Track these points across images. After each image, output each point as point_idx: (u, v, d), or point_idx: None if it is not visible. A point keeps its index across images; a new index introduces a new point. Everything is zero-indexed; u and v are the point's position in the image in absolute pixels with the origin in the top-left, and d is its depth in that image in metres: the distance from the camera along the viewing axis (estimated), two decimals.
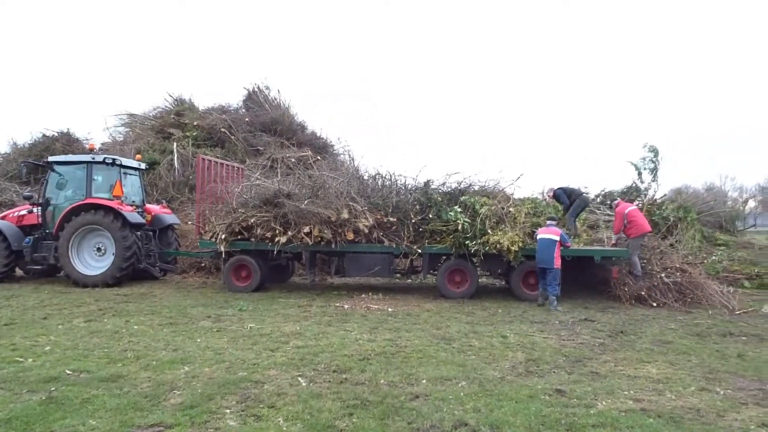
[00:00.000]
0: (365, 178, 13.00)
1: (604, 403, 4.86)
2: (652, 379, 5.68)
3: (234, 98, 22.43)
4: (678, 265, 10.92)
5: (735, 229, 19.01)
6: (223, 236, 11.29)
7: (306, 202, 10.96)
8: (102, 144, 20.27)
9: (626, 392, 5.19)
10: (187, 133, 19.29)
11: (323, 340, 7.13)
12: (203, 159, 12.67)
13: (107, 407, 4.58)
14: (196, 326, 7.96)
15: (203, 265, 14.02)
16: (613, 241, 11.53)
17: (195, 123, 19.64)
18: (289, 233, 10.95)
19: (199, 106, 21.65)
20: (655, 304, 10.35)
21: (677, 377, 5.75)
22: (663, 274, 10.71)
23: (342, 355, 6.36)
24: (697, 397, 5.12)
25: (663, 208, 14.88)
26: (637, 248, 10.94)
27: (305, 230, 10.88)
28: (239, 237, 11.41)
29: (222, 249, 11.31)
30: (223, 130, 18.99)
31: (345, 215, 10.88)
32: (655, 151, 17.50)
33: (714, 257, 14.54)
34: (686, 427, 4.32)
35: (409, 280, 13.41)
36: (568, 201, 11.96)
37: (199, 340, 7.05)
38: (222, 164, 13.43)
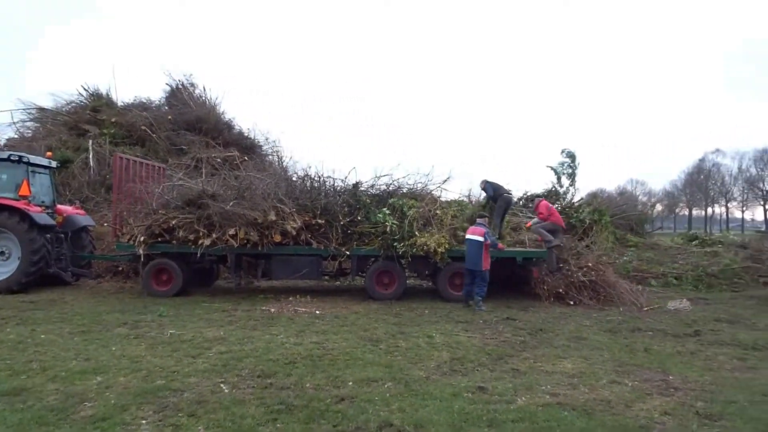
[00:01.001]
0: (294, 179, 12.84)
1: (523, 398, 5.04)
2: (567, 373, 5.95)
3: (156, 94, 21.51)
4: (592, 265, 11.52)
5: (644, 231, 20.35)
6: (142, 238, 10.76)
7: (231, 203, 10.66)
8: (7, 140, 18.84)
9: (544, 387, 5.41)
10: (104, 131, 18.27)
11: (248, 345, 6.95)
12: (121, 158, 12.05)
13: (8, 423, 4.24)
14: (111, 333, 7.53)
15: (120, 269, 13.31)
16: (529, 224, 12.11)
17: (113, 120, 18.65)
18: (214, 235, 10.59)
19: (117, 101, 20.60)
20: (572, 302, 10.87)
21: (591, 371, 6.06)
22: (580, 273, 11.27)
23: (267, 360, 6.23)
24: (608, 389, 5.41)
25: (580, 211, 15.68)
26: (545, 228, 11.63)
27: (231, 232, 10.57)
28: (159, 239, 10.92)
29: (141, 252, 10.78)
30: (143, 127, 18.14)
31: (272, 217, 10.67)
32: (572, 157, 18.38)
33: (625, 257, 15.50)
34: (598, 419, 4.56)
35: (338, 283, 13.35)
36: (492, 195, 12.33)
37: (114, 348, 6.67)
38: (142, 163, 12.84)
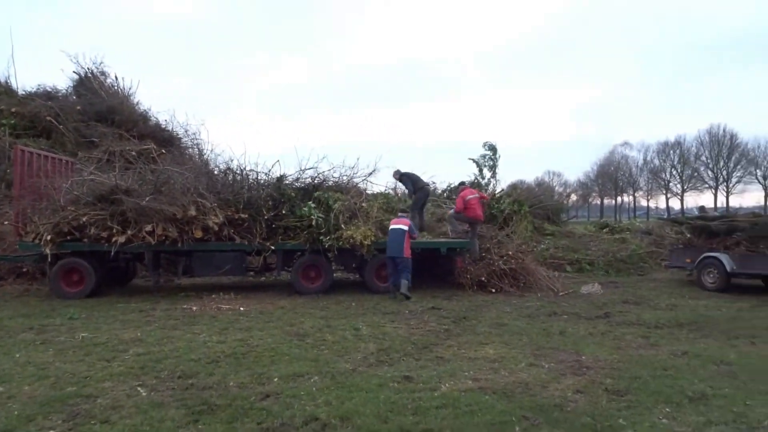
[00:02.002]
0: (215, 172, 12.45)
1: (447, 385, 5.17)
2: (489, 359, 6.16)
3: (63, 82, 20.06)
4: (512, 254, 11.98)
5: (560, 220, 21.46)
6: (48, 237, 10.05)
7: (148, 198, 10.17)
8: None
9: (467, 373, 5.57)
10: (3, 121, 16.82)
11: (167, 345, 6.67)
12: (23, 150, 11.17)
13: None
14: (14, 340, 6.99)
15: (25, 270, 12.33)
16: (451, 212, 12.55)
17: (12, 110, 17.17)
18: (129, 232, 10.08)
19: (18, 89, 19.05)
20: (494, 290, 11.26)
21: (510, 356, 6.31)
22: (501, 262, 11.70)
23: (188, 360, 6.01)
24: (527, 372, 5.65)
25: (501, 202, 16.27)
26: (457, 219, 12.16)
27: (147, 229, 10.09)
28: (69, 237, 10.25)
29: (48, 251, 10.07)
30: (48, 118, 16.86)
31: (192, 212, 10.30)
32: (493, 149, 19.07)
33: (543, 245, 16.27)
34: (516, 400, 4.75)
35: (263, 278, 13.12)
36: (412, 188, 12.49)
37: (17, 356, 6.20)
38: (47, 157, 11.97)
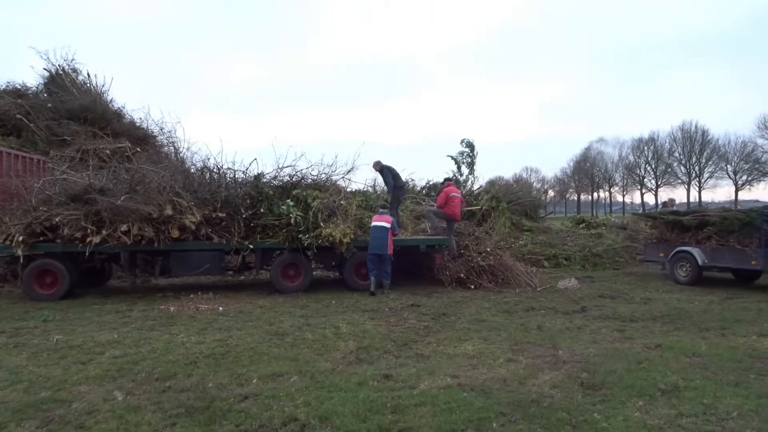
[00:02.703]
0: (191, 171, 12.31)
1: (426, 382, 5.20)
2: (468, 355, 6.22)
3: (33, 79, 19.59)
4: (491, 250, 12.10)
5: (537, 216, 21.70)
6: (20, 238, 9.83)
7: (123, 197, 10.01)
8: None
9: (446, 370, 5.61)
10: None
11: (145, 347, 6.59)
12: None
13: None
14: None
15: None
16: (429, 208, 12.80)
17: None
18: (104, 232, 9.91)
19: None
20: (473, 286, 11.36)
21: (489, 351, 6.37)
22: (479, 258, 11.80)
23: (166, 361, 5.95)
24: (505, 368, 5.72)
25: (479, 198, 16.41)
26: (435, 215, 12.37)
27: (123, 228, 9.94)
28: (41, 238, 10.04)
29: (20, 253, 9.85)
30: (18, 116, 16.46)
31: (168, 211, 10.16)
32: (471, 146, 19.18)
33: (521, 241, 16.44)
34: (494, 396, 4.80)
35: (242, 277, 13.03)
36: (393, 182, 12.42)
37: None
38: (17, 156, 11.74)
